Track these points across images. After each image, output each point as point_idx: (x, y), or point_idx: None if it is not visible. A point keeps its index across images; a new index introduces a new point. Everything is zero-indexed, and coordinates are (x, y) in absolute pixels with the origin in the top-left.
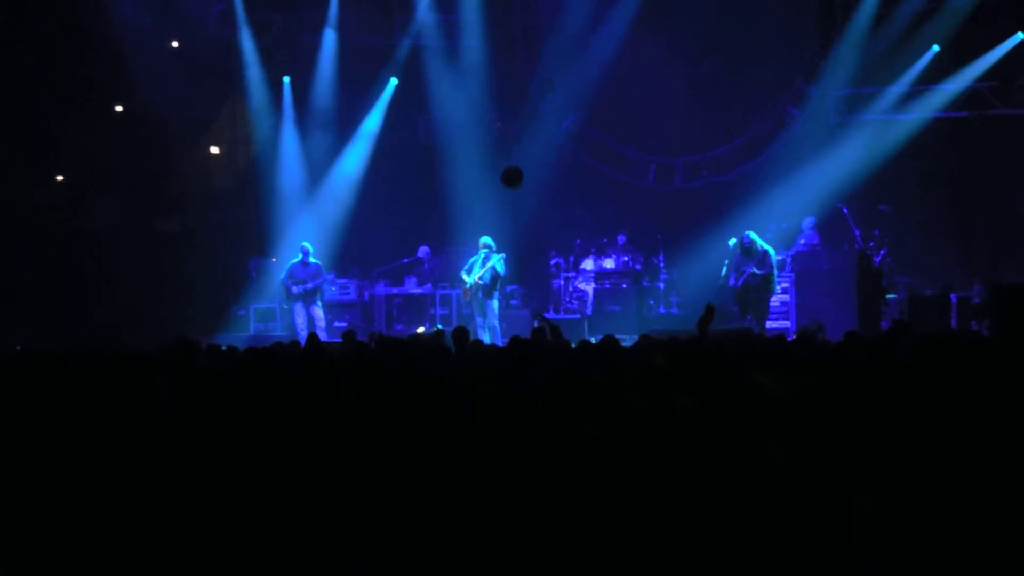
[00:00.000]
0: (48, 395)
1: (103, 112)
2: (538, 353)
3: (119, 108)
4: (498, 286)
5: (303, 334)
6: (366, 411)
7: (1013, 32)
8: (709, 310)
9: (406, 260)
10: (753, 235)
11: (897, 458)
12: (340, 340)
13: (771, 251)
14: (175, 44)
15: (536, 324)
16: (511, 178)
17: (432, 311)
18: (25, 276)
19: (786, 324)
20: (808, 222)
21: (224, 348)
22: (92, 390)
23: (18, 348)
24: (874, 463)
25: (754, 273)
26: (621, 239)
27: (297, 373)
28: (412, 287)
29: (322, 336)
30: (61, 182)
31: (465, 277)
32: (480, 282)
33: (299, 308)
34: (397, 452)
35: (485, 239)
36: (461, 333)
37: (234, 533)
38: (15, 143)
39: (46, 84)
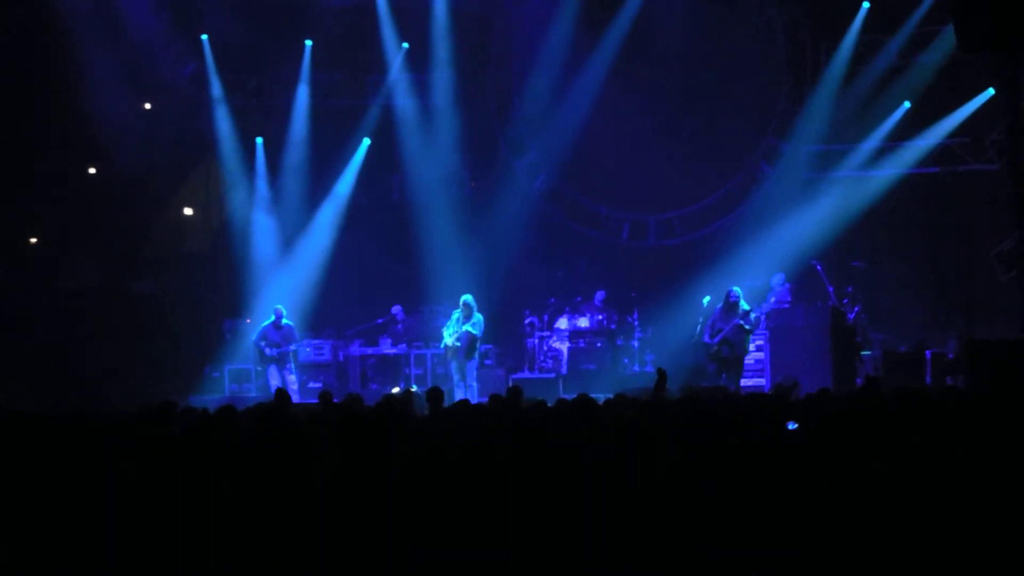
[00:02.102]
0: (21, 457)
1: (77, 174)
2: (515, 412)
3: (92, 170)
4: (475, 347)
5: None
6: (339, 469)
7: (984, 88)
8: (661, 374)
9: (380, 320)
10: (739, 291)
11: (871, 508)
12: (315, 401)
13: (744, 306)
14: (147, 106)
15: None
16: None
17: (407, 371)
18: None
19: (761, 382)
20: (778, 279)
21: (200, 410)
22: (68, 454)
23: None
24: (845, 514)
25: (740, 327)
26: (600, 296)
27: (264, 432)
28: (387, 347)
29: (295, 398)
30: (35, 244)
31: (446, 336)
32: (456, 343)
33: (273, 370)
34: (366, 510)
35: (466, 297)
36: (435, 393)
37: None
38: None
39: (18, 146)
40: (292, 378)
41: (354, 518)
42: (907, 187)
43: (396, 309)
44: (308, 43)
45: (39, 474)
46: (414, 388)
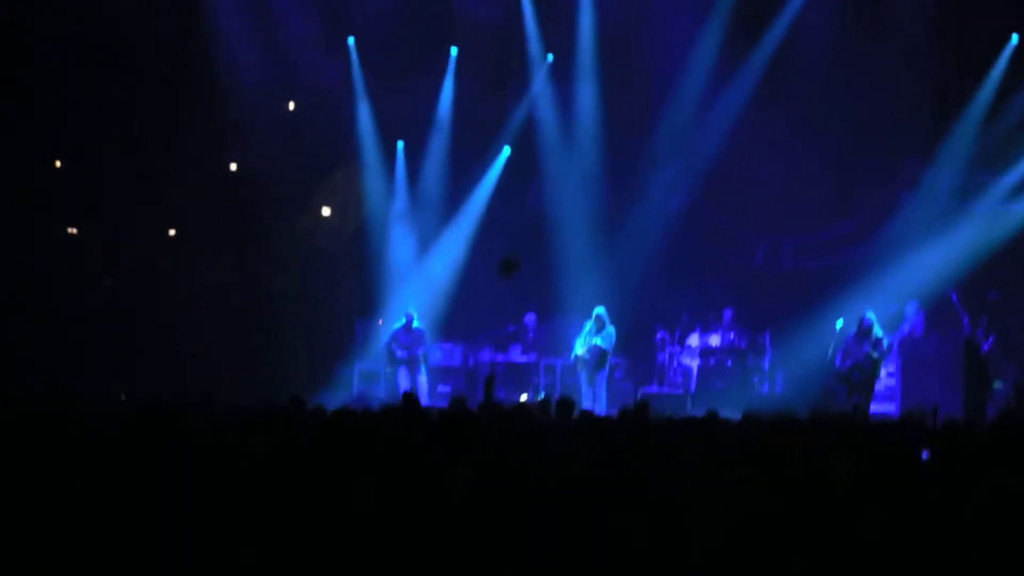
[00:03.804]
0: (159, 445)
1: (218, 169)
2: (644, 425)
3: (233, 166)
4: (605, 360)
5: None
6: (464, 474)
7: None
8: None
9: (512, 327)
10: (873, 317)
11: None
12: (444, 405)
13: (878, 333)
14: (291, 106)
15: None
16: (507, 268)
17: (536, 380)
18: (134, 327)
19: (891, 408)
20: (912, 307)
21: (329, 411)
22: (202, 442)
23: (122, 397)
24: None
25: (869, 355)
26: (728, 314)
27: (394, 432)
28: (517, 355)
29: (424, 401)
30: (173, 237)
31: (577, 347)
32: (586, 356)
33: (403, 372)
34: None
35: (599, 310)
36: (566, 404)
37: None
38: (131, 198)
39: (163, 138)
40: (423, 380)
41: (485, 524)
42: None
43: (529, 317)
44: (454, 50)
45: (165, 462)
46: (541, 395)
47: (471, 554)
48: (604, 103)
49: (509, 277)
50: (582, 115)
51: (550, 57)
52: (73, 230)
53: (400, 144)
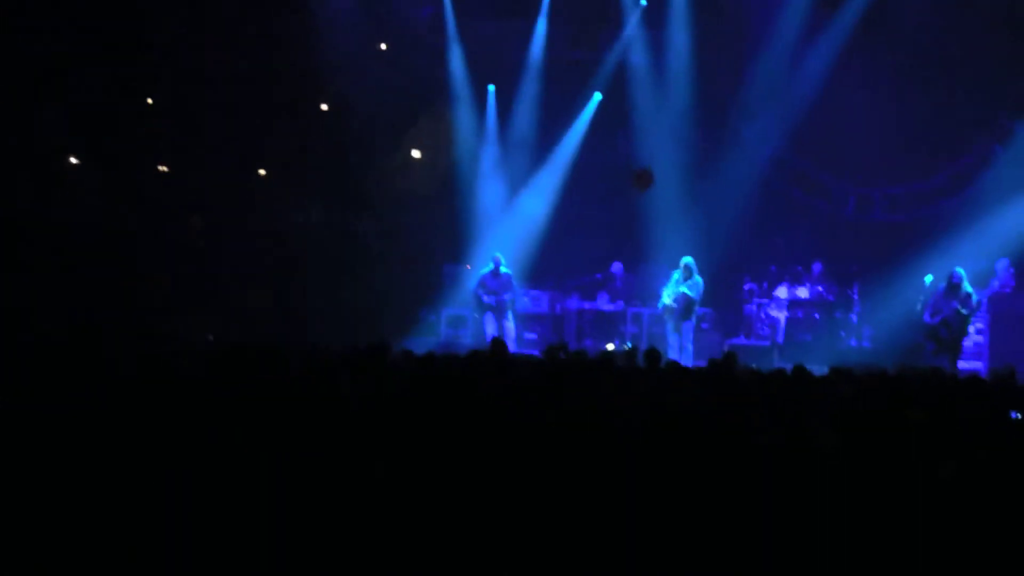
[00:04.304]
0: (250, 386)
1: (309, 109)
2: (732, 377)
3: (324, 106)
4: (692, 309)
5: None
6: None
7: None
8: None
9: (599, 275)
10: (962, 273)
11: None
12: (530, 352)
13: (972, 292)
14: (383, 46)
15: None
16: (642, 181)
17: (623, 328)
18: (221, 268)
19: (978, 365)
20: (1003, 264)
21: (415, 354)
22: (292, 383)
23: (209, 338)
24: None
25: (957, 311)
26: (816, 268)
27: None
28: (604, 303)
29: (511, 347)
30: (263, 176)
31: (664, 296)
32: (673, 305)
33: (489, 318)
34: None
35: (687, 259)
36: (653, 354)
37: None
38: (222, 136)
39: (254, 78)
40: (510, 326)
41: (574, 470)
42: None
43: (616, 266)
44: None
45: (250, 404)
46: (628, 345)
47: (559, 499)
48: (696, 50)
49: (643, 189)
50: (674, 62)
51: (643, 1)
52: (164, 168)
53: (491, 88)
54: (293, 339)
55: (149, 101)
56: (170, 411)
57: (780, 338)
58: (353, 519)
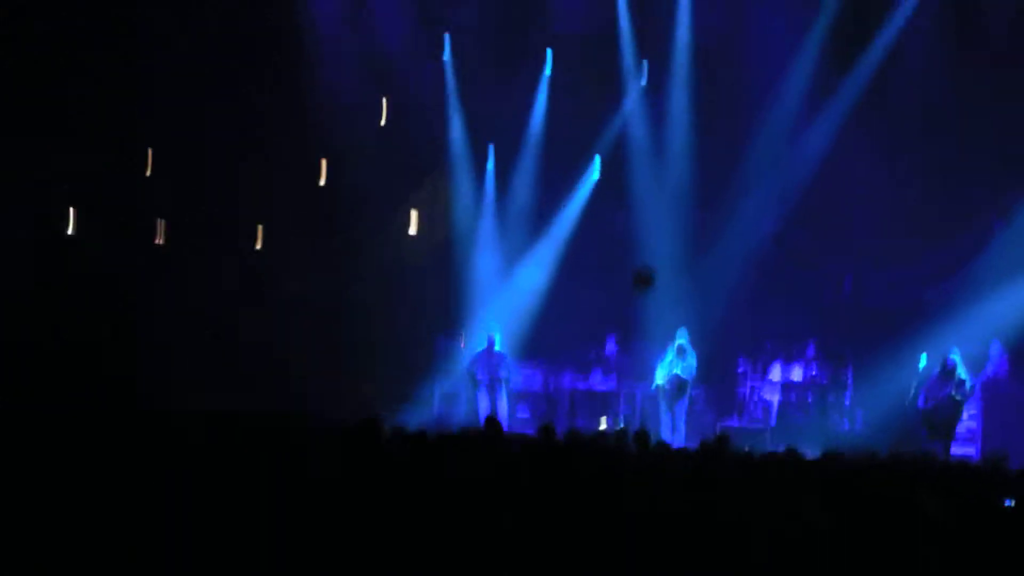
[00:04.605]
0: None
1: (307, 177)
2: (724, 460)
3: (323, 175)
4: (685, 389)
5: (483, 417)
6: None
7: None
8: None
9: (593, 352)
10: (957, 358)
11: None
12: (523, 431)
13: (963, 373)
14: (383, 112)
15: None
16: (643, 281)
17: (616, 408)
18: (219, 338)
19: (971, 451)
20: (996, 347)
21: (409, 431)
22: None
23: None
24: None
25: (951, 397)
26: (811, 348)
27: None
28: (597, 381)
29: (504, 425)
30: (260, 247)
31: (657, 374)
32: (666, 386)
33: (483, 396)
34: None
35: (681, 337)
36: (642, 435)
37: None
38: (219, 206)
39: (253, 147)
40: (503, 404)
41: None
42: None
43: (610, 342)
44: (549, 54)
45: (239, 471)
46: (620, 425)
47: None
48: (696, 124)
49: (643, 292)
50: (674, 135)
51: (645, 64)
52: (160, 240)
53: (491, 150)
54: (284, 408)
55: (147, 173)
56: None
57: (773, 420)
58: None
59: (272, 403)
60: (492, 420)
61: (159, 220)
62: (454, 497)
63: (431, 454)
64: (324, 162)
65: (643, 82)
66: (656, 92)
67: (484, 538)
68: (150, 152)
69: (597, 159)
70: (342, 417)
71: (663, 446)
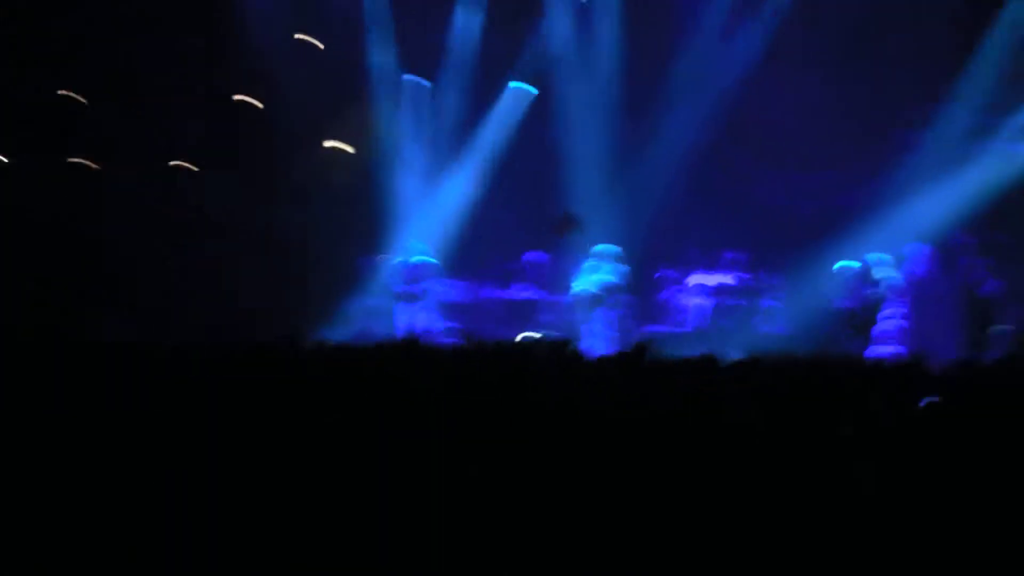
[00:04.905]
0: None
1: (227, 100)
2: (645, 365)
3: (240, 96)
4: (608, 297)
5: (406, 331)
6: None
7: None
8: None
9: (516, 263)
10: (873, 258)
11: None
12: (449, 342)
13: (886, 276)
14: (302, 36)
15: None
16: (565, 227)
17: (539, 317)
18: (135, 260)
19: (893, 350)
20: (917, 248)
21: (329, 344)
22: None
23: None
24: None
25: (868, 296)
26: (733, 255)
27: (398, 369)
28: (520, 292)
29: (427, 338)
30: (178, 166)
31: (576, 284)
32: (590, 292)
33: (403, 308)
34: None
35: (603, 246)
36: (563, 344)
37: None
38: (137, 127)
39: (173, 69)
40: (425, 316)
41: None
42: None
43: (534, 254)
44: None
45: (154, 403)
46: (538, 335)
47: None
48: (622, 37)
49: (563, 235)
50: (600, 48)
51: None
52: (78, 160)
53: (411, 77)
54: (205, 331)
55: (61, 92)
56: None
57: (697, 325)
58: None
59: (200, 327)
60: (410, 332)
61: (85, 151)
62: (373, 406)
63: (348, 366)
64: (247, 90)
65: None
66: (581, 7)
67: (404, 445)
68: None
69: (517, 84)
70: (266, 338)
71: (581, 354)
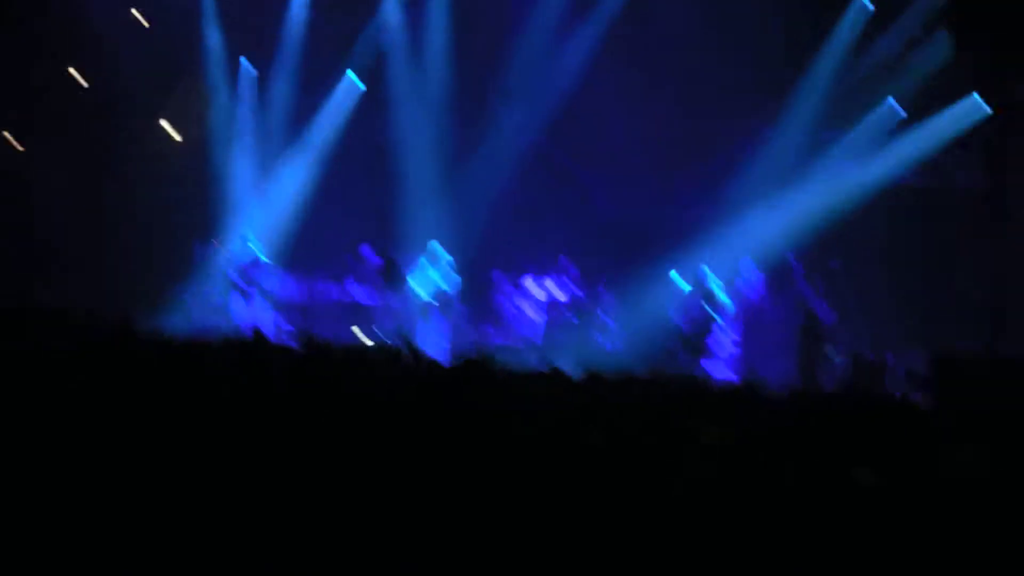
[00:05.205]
0: None
1: (57, 75)
2: (486, 375)
3: (73, 72)
4: (445, 303)
5: (242, 326)
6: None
7: (977, 103)
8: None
9: (349, 259)
10: (706, 271)
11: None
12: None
13: (718, 293)
14: (135, 12)
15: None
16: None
17: (375, 320)
18: None
19: (724, 373)
20: (746, 264)
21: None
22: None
23: None
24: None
25: (703, 309)
26: (567, 263)
27: (241, 371)
28: (356, 292)
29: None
30: (5, 142)
31: (416, 286)
32: (427, 298)
33: (239, 300)
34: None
35: (434, 245)
36: (410, 350)
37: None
38: None
39: (13, 57)
40: (262, 314)
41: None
42: (893, 192)
43: (367, 250)
44: None
45: None
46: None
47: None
48: (455, 33)
49: (386, 280)
50: (432, 43)
51: None
52: None
53: (244, 60)
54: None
55: None
56: None
57: (531, 337)
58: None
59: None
60: (258, 331)
61: None
62: (216, 405)
63: (190, 362)
64: (79, 67)
65: None
66: (414, 2)
67: (241, 448)
68: None
69: (351, 75)
70: (96, 321)
71: (418, 361)
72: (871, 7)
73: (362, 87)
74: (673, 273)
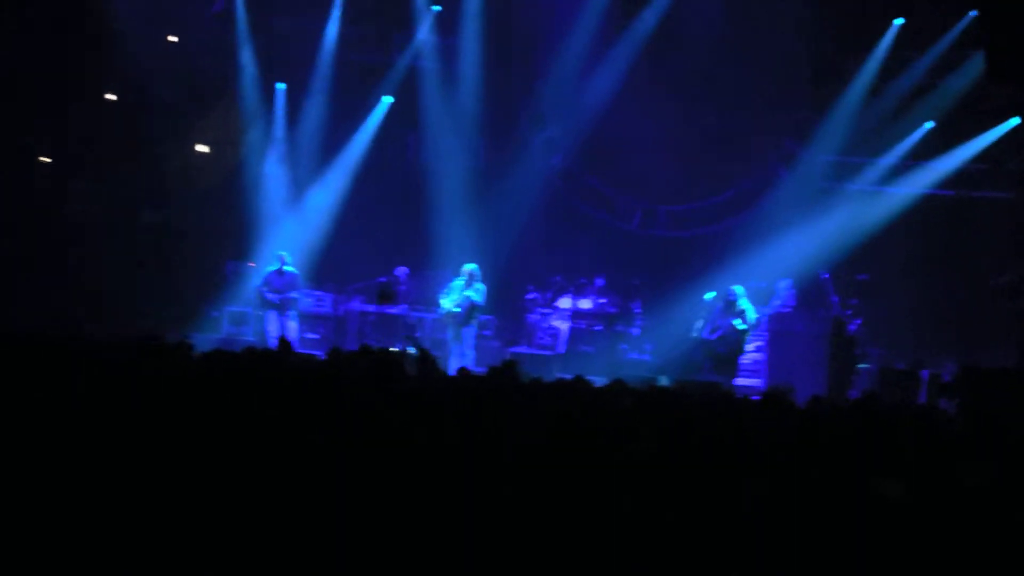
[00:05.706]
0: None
1: (95, 99)
2: (510, 384)
3: (112, 97)
4: (474, 315)
5: (274, 342)
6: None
7: (1007, 117)
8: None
9: (383, 279)
10: (738, 290)
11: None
12: (313, 352)
13: (750, 309)
14: (173, 39)
15: (405, 347)
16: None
17: (405, 332)
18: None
19: (757, 382)
20: (783, 284)
21: (195, 349)
22: (57, 377)
23: None
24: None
25: (734, 328)
26: (599, 282)
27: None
28: (387, 307)
29: (294, 346)
30: (45, 164)
31: (443, 302)
32: (456, 309)
33: (272, 316)
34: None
35: (470, 266)
36: (426, 357)
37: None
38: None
39: (36, 65)
40: (292, 325)
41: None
42: (922, 207)
43: (400, 270)
44: None
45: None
46: (410, 350)
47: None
48: (488, 58)
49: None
50: (465, 68)
51: (436, 8)
52: None
53: (280, 86)
54: (74, 330)
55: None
56: None
57: (562, 348)
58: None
59: (64, 322)
60: (283, 341)
61: None
62: (242, 413)
63: (217, 372)
64: (115, 90)
65: (435, 10)
66: (447, 30)
67: (266, 454)
68: None
69: (386, 99)
70: (129, 338)
71: (443, 371)
72: (904, 28)
73: (388, 100)
74: (709, 293)
